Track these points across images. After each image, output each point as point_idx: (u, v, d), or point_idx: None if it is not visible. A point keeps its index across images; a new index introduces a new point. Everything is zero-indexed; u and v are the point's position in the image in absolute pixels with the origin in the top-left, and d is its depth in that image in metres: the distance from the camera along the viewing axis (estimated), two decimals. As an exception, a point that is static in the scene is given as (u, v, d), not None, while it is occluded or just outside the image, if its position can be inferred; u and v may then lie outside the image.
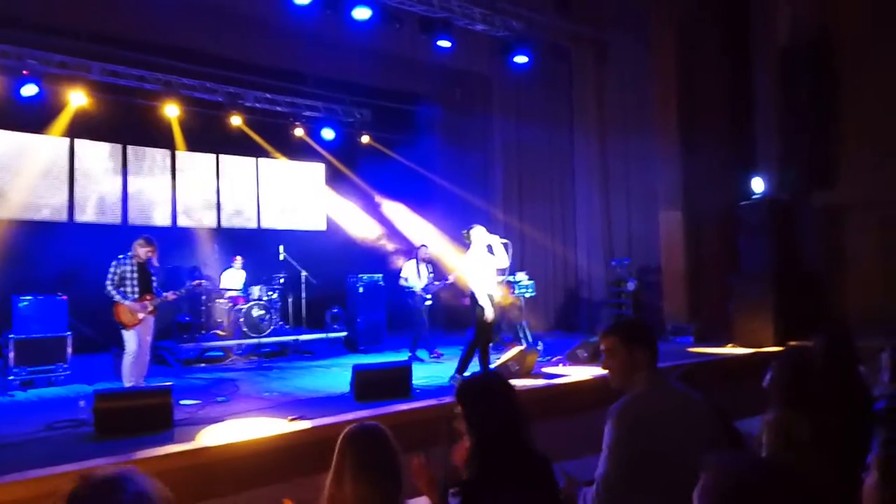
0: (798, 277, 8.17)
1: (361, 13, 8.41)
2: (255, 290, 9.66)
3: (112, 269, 6.09)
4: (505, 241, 6.61)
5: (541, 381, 6.33)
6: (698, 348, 8.15)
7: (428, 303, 8.70)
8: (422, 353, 8.65)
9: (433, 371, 7.43)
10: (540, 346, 8.06)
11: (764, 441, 2.68)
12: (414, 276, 8.75)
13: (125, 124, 10.90)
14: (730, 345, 8.08)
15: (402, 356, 8.45)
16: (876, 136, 8.07)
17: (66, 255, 9.27)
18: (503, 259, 6.54)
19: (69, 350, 7.45)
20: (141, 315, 6.07)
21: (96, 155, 10.93)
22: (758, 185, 8.57)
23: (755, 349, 7.61)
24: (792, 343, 6.62)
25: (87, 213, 10.75)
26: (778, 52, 8.76)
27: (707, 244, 9.46)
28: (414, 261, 8.90)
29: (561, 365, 7.29)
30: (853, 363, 3.03)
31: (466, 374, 6.35)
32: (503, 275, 8.31)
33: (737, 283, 8.28)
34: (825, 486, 2.48)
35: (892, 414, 2.56)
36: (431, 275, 8.88)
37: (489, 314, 6.35)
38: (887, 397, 2.71)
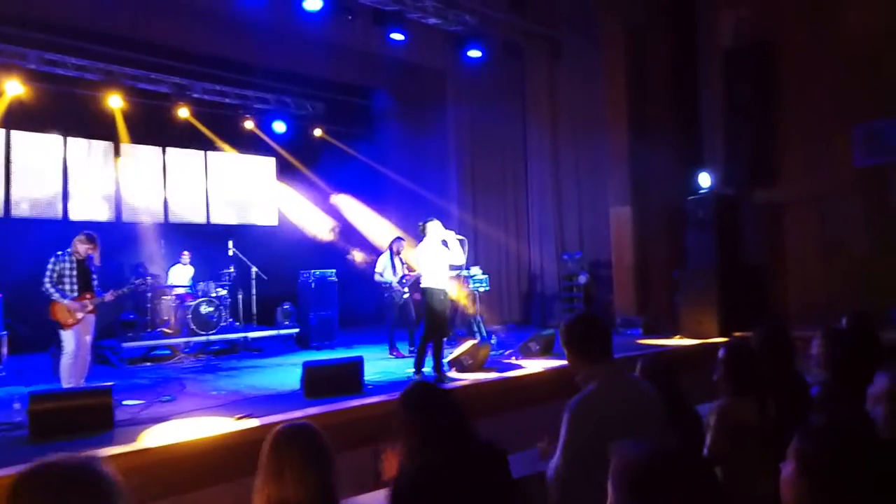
0: (741, 271, 8.43)
1: (313, 3, 8.29)
2: (203, 286, 9.43)
3: (50, 267, 5.83)
4: (461, 237, 6.60)
5: (493, 375, 6.36)
6: (647, 340, 8.33)
7: (405, 296, 8.58)
8: (402, 347, 8.50)
9: (386, 367, 7.38)
10: (493, 340, 8.11)
11: (712, 423, 2.78)
12: (389, 270, 8.61)
13: (65, 115, 10.45)
14: (677, 336, 8.29)
15: (354, 352, 8.34)
16: (814, 136, 8.40)
17: (1, 252, 8.87)
18: (459, 255, 6.52)
19: (4, 350, 7.15)
20: (80, 314, 5.84)
21: (34, 147, 10.48)
22: (704, 180, 8.79)
23: (701, 340, 7.82)
24: (735, 334, 6.86)
25: (24, 208, 10.31)
26: (722, 54, 9.03)
27: (655, 239, 9.68)
28: (388, 254, 8.73)
29: (514, 358, 7.34)
30: (789, 353, 3.16)
31: (426, 369, 6.34)
32: (458, 270, 8.33)
33: (683, 277, 8.49)
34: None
35: (823, 400, 2.66)
36: (406, 268, 8.74)
37: (439, 307, 6.33)
38: (819, 383, 2.81)
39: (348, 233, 13.52)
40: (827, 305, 7.62)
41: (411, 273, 8.47)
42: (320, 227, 13.32)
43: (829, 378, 2.78)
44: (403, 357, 8.07)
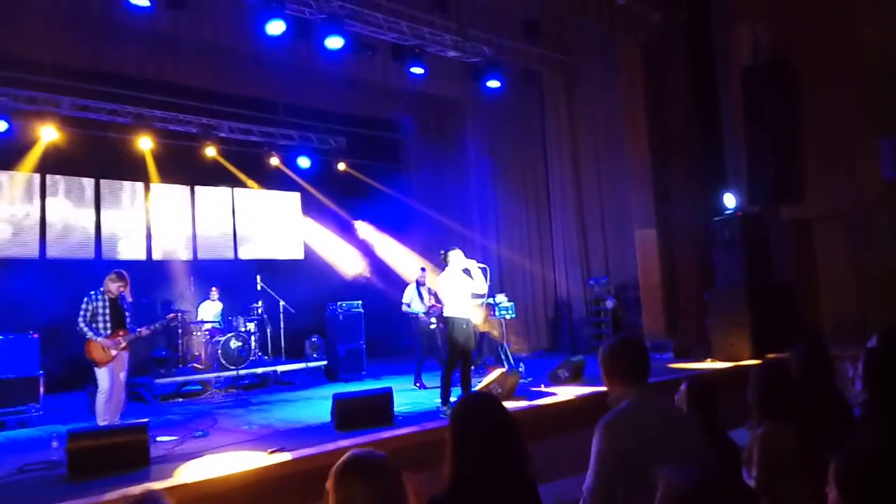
0: (772, 290, 8.29)
1: (334, 42, 8.47)
2: (233, 321, 9.54)
3: (84, 306, 5.98)
4: (483, 265, 6.60)
5: (523, 403, 6.30)
6: (678, 364, 8.19)
7: (433, 326, 8.62)
8: (432, 379, 8.50)
9: (416, 398, 7.37)
10: (521, 368, 8.04)
11: (755, 456, 2.70)
12: (416, 301, 8.69)
13: (98, 158, 10.82)
14: (709, 359, 8.14)
15: (383, 383, 8.33)
16: (838, 150, 8.28)
17: (37, 293, 9.10)
18: (481, 284, 6.51)
19: (41, 390, 7.27)
20: (114, 352, 5.95)
21: (68, 190, 10.81)
22: (729, 200, 8.72)
23: (734, 363, 7.67)
24: (769, 356, 6.73)
25: (59, 249, 10.59)
26: (740, 71, 9.00)
27: (682, 260, 9.58)
28: (414, 285, 8.85)
29: (543, 386, 7.28)
30: (829, 373, 3.08)
31: (452, 399, 6.30)
32: (482, 299, 8.32)
33: (713, 298, 8.37)
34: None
35: (866, 420, 2.60)
36: (433, 298, 8.81)
37: (462, 336, 6.33)
38: (861, 405, 2.75)
39: (375, 265, 13.62)
40: (860, 322, 7.46)
41: (439, 304, 8.51)
42: (346, 260, 13.45)
43: (869, 397, 2.72)
44: (426, 388, 8.03)
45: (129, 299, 6.23)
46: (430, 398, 7.09)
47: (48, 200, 10.55)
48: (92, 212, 10.97)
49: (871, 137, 7.99)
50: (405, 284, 9.33)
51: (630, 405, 2.46)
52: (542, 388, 7.11)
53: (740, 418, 3.95)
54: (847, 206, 8.23)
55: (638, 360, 2.58)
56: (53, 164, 10.31)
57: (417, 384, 8.28)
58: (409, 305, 8.69)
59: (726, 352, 7.96)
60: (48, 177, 10.53)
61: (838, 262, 8.36)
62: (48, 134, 9.85)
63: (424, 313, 8.55)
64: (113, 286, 6.04)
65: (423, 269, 9.07)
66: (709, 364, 7.96)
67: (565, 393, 6.64)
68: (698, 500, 1.15)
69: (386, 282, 12.91)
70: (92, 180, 11.02)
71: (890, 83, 7.76)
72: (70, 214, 10.78)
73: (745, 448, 2.91)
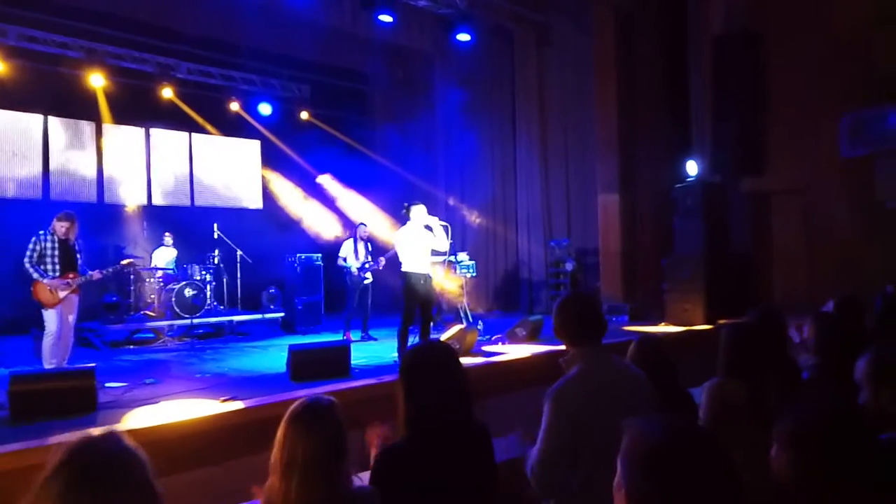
0: (728, 259, 8.47)
1: (301, -16, 8.14)
2: (188, 269, 9.33)
3: (31, 246, 5.76)
4: (444, 223, 6.54)
5: (480, 360, 6.35)
6: (633, 327, 8.36)
7: (367, 281, 8.55)
8: (355, 334, 8.52)
9: (373, 351, 7.36)
10: (480, 326, 8.10)
11: (704, 401, 2.76)
12: (351, 255, 8.59)
13: (46, 93, 10.23)
14: (663, 323, 8.33)
15: (340, 337, 8.32)
16: (801, 125, 8.43)
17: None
18: (443, 241, 6.47)
19: (-16, 331, 7.01)
20: (62, 293, 5.75)
21: (14, 126, 10.27)
22: (692, 168, 8.81)
23: (687, 327, 7.86)
24: (721, 322, 6.91)
25: (5, 188, 10.11)
26: (711, 42, 9.01)
27: (643, 226, 9.70)
28: (352, 239, 8.72)
29: (500, 343, 7.34)
30: (783, 337, 3.16)
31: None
32: (443, 256, 8.30)
33: (670, 264, 8.52)
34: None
35: (813, 383, 2.67)
36: (370, 254, 8.74)
37: (421, 291, 6.30)
38: (809, 367, 2.82)
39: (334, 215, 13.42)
40: (811, 294, 7.70)
41: (371, 261, 8.50)
42: (306, 211, 13.20)
43: (819, 362, 2.79)
44: (354, 342, 7.97)
45: (72, 242, 5.98)
46: (387, 352, 7.08)
47: (-8, 135, 10.02)
48: (40, 150, 10.47)
49: (833, 115, 8.14)
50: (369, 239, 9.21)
51: (580, 371, 2.41)
52: (500, 346, 7.17)
53: (693, 381, 4.04)
54: (805, 182, 8.42)
55: (591, 318, 2.50)
56: (-1, 97, 9.76)
57: (346, 336, 8.28)
58: (344, 259, 8.62)
59: (680, 317, 8.15)
60: (-8, 110, 9.99)
61: (793, 235, 8.58)
62: (-8, 65, 9.30)
63: (358, 268, 8.50)
64: (60, 227, 5.82)
65: (363, 224, 8.96)
66: (662, 328, 8.14)
67: (522, 351, 6.72)
68: (668, 446, 1.13)
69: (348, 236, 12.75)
70: (40, 117, 10.49)
71: (855, 61, 7.87)
72: (17, 151, 10.26)
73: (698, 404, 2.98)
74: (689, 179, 8.71)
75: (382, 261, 8.39)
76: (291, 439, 1.88)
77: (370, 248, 8.83)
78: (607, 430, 2.27)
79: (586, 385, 2.36)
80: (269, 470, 1.93)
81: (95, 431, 1.35)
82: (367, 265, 8.49)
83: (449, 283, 9.26)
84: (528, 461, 2.47)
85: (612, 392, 2.37)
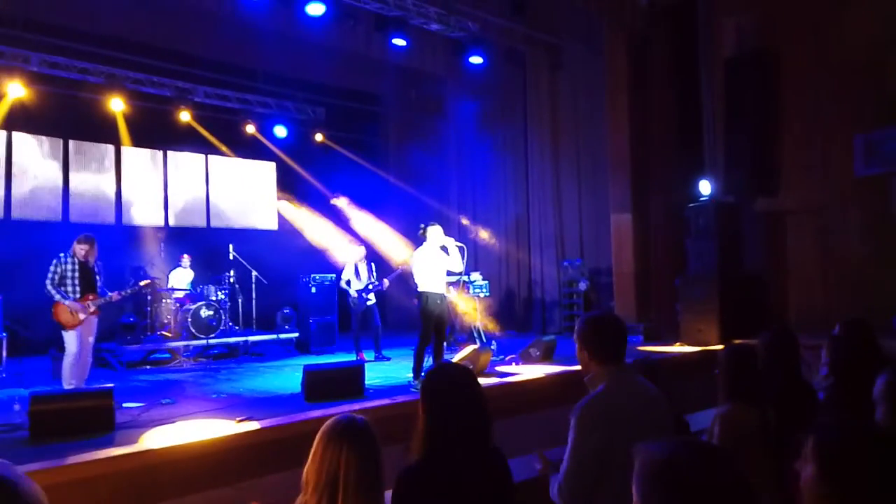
0: (741, 279, 8.42)
1: (315, 9, 8.32)
2: (204, 290, 9.42)
3: (52, 268, 5.86)
4: (460, 244, 6.58)
5: (494, 380, 6.34)
6: (647, 347, 8.31)
7: (369, 303, 8.64)
8: (368, 354, 8.56)
9: (387, 371, 7.38)
10: (493, 346, 8.10)
11: (715, 432, 2.75)
12: (353, 278, 8.72)
13: (67, 118, 10.49)
14: (677, 343, 8.27)
15: (354, 357, 8.37)
16: (815, 144, 8.41)
17: (2, 254, 8.86)
18: (457, 262, 6.50)
19: (4, 353, 7.11)
20: (82, 315, 5.84)
21: (35, 149, 10.50)
22: (705, 188, 8.80)
23: (701, 347, 7.81)
24: (735, 342, 6.86)
25: (25, 210, 10.31)
26: (723, 62, 9.06)
27: (656, 246, 9.68)
28: (353, 263, 8.88)
29: (514, 364, 7.33)
30: (795, 359, 3.14)
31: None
32: (458, 277, 8.34)
33: (683, 284, 8.49)
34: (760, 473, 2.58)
35: (829, 405, 2.66)
36: (374, 276, 8.86)
37: (436, 311, 6.33)
38: (825, 389, 2.81)
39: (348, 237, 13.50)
40: (826, 314, 7.63)
41: (375, 283, 8.63)
42: (320, 232, 13.31)
43: (835, 383, 2.78)
44: (368, 362, 8.01)
45: (91, 264, 6.08)
46: (401, 372, 7.10)
47: (14, 159, 10.24)
48: (60, 173, 10.68)
49: (847, 134, 8.12)
50: (380, 260, 9.32)
51: (607, 388, 2.43)
52: (513, 367, 7.17)
53: (707, 402, 4.03)
54: (819, 201, 8.38)
55: (617, 339, 2.53)
56: (20, 121, 9.98)
57: (359, 356, 8.36)
58: (347, 283, 8.75)
59: (694, 337, 8.10)
60: (14, 134, 10.21)
61: (808, 255, 8.52)
62: (15, 90, 9.50)
63: (358, 291, 8.61)
64: (80, 249, 5.92)
65: (361, 247, 9.23)
66: (677, 348, 8.09)
67: (536, 371, 6.70)
68: (672, 464, 1.15)
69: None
70: (60, 140, 10.72)
71: (868, 80, 7.88)
72: (38, 175, 10.48)
73: (708, 429, 2.96)
74: (702, 199, 8.71)
75: (387, 282, 8.55)
76: (332, 456, 1.86)
77: (374, 269, 8.94)
78: (630, 449, 2.29)
79: (612, 402, 2.40)
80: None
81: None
82: (370, 286, 8.60)
83: (462, 303, 9.28)
84: (551, 485, 2.47)
85: (635, 411, 2.40)
